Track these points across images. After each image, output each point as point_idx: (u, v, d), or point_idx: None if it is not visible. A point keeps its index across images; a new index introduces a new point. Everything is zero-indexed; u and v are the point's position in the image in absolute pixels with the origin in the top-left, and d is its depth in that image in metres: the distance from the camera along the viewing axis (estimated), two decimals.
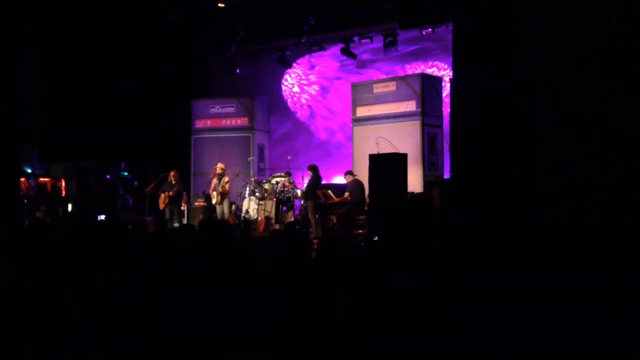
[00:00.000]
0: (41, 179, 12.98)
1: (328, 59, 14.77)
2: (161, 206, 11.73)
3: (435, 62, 13.49)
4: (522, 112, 8.47)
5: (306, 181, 11.73)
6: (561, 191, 7.79)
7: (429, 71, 13.30)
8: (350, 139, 13.06)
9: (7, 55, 11.03)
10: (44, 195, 12.64)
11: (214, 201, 11.85)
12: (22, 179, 12.60)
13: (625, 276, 3.20)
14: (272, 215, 11.97)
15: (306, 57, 15.00)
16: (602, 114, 7.84)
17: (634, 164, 7.34)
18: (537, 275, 3.13)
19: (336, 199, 10.99)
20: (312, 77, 15.20)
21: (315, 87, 15.17)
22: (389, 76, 13.36)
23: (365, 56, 14.14)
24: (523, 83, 8.54)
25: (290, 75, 15.43)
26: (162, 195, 11.71)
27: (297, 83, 15.40)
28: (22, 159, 13.29)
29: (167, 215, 11.63)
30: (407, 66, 13.77)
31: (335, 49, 13.99)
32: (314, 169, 11.40)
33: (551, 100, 8.27)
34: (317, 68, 15.08)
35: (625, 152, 7.48)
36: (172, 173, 11.80)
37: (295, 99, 15.45)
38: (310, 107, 15.24)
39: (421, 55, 13.62)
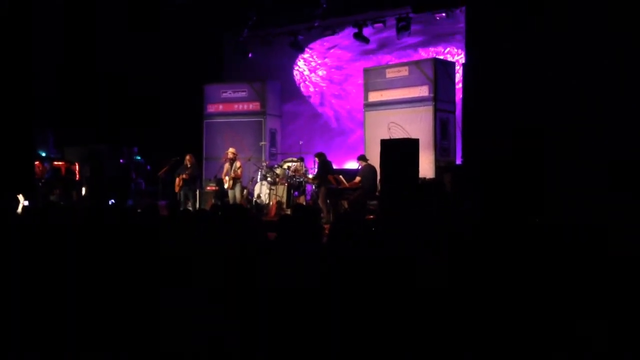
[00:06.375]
0: (56, 163, 13.11)
1: (341, 44, 14.70)
2: (176, 189, 11.95)
3: (439, 47, 13.37)
4: (536, 97, 8.43)
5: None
6: (572, 180, 7.76)
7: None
8: (362, 124, 13.03)
9: (21, 43, 11.11)
10: (58, 178, 12.78)
11: (226, 186, 11.93)
12: (37, 163, 12.74)
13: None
14: (284, 200, 12.01)
15: (318, 41, 14.94)
16: (617, 107, 7.78)
17: None
18: (542, 269, 3.09)
19: (347, 184, 11.01)
20: (325, 62, 15.14)
21: (327, 71, 15.12)
22: (401, 61, 13.27)
23: (377, 40, 14.05)
24: (537, 68, 8.49)
25: (302, 60, 15.39)
26: (177, 179, 11.91)
27: (309, 68, 15.36)
28: (38, 142, 13.44)
29: (182, 198, 11.81)
30: (421, 50, 13.67)
31: (348, 33, 13.91)
32: (320, 156, 11.43)
33: (565, 88, 8.21)
34: (329, 52, 15.02)
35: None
36: (187, 157, 12.00)
37: (307, 83, 15.41)
38: (322, 91, 15.20)
39: (435, 40, 13.50)
